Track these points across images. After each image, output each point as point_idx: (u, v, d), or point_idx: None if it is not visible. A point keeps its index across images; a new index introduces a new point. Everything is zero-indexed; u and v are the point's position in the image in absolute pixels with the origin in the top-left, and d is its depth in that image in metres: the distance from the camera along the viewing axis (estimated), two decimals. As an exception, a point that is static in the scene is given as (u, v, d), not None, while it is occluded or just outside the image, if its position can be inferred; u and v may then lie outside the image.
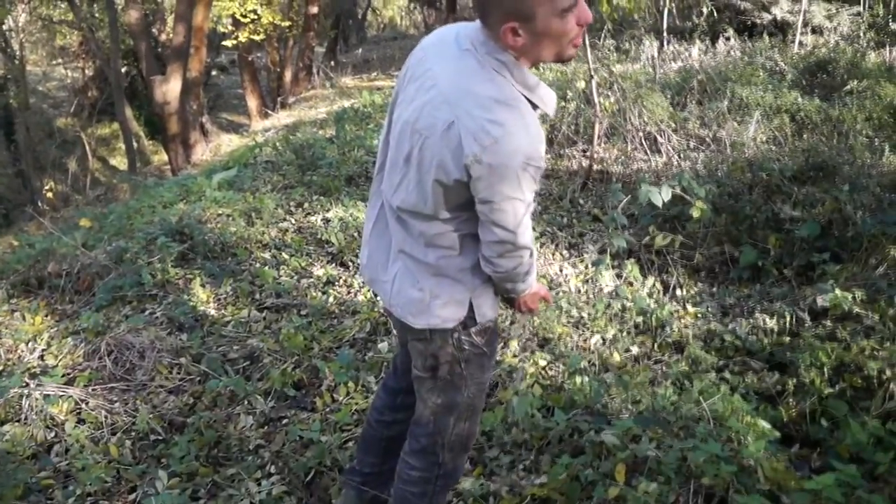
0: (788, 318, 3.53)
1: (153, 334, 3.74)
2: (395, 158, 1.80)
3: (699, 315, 3.83)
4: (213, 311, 4.11)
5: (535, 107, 1.71)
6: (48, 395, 3.20)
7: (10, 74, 23.51)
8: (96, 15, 21.31)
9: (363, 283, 2.02)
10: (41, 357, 3.74)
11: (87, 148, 21.24)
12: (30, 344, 3.86)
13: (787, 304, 3.70)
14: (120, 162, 22.22)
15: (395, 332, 2.35)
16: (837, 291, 3.42)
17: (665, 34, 11.63)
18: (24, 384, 3.27)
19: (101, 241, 5.52)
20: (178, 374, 3.49)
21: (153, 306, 4.22)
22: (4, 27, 22.75)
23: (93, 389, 3.35)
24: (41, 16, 23.89)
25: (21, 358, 3.72)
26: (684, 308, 3.90)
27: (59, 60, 28.76)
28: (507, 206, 1.66)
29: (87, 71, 25.35)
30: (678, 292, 4.11)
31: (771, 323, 3.54)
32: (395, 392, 2.32)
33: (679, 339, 3.59)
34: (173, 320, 3.99)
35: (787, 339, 3.40)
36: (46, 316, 4.24)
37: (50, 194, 5.65)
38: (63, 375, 3.46)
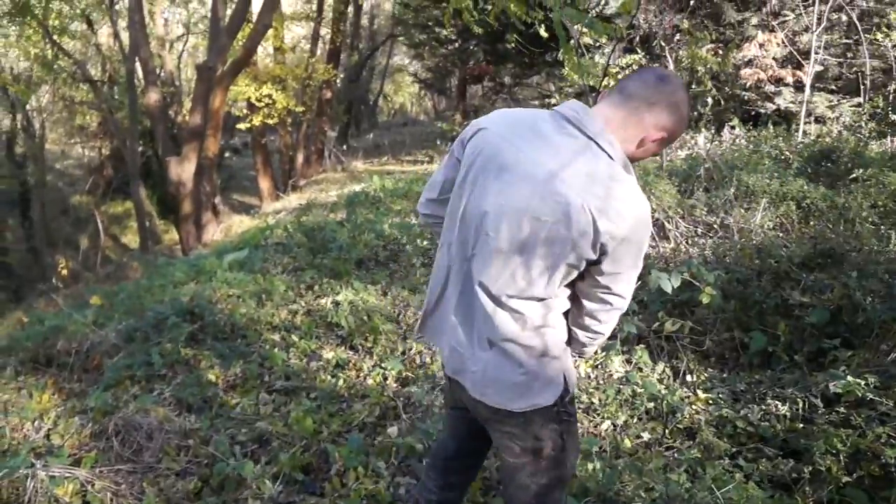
0: (801, 405, 3.50)
1: (161, 415, 3.72)
2: (502, 248, 1.78)
3: (710, 401, 3.80)
4: (221, 393, 4.10)
5: None
6: (54, 476, 3.16)
7: (30, 152, 24.03)
8: (116, 97, 21.87)
9: (446, 370, 2.00)
10: (47, 436, 3.70)
11: (100, 225, 21.49)
12: (36, 422, 3.83)
13: (798, 390, 3.66)
14: (131, 240, 22.47)
15: (452, 417, 2.30)
16: (850, 378, 3.40)
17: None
18: (29, 464, 3.23)
19: (111, 320, 5.55)
20: (186, 456, 3.46)
21: (162, 386, 4.21)
22: (27, 107, 23.37)
23: (99, 471, 3.31)
24: (63, 96, 24.54)
25: (27, 437, 3.69)
26: (695, 394, 3.87)
27: (78, 139, 29.39)
28: (630, 274, 1.80)
29: (104, 150, 25.93)
30: (689, 378, 4.09)
31: (783, 409, 3.51)
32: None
33: (691, 426, 3.55)
34: (182, 401, 3.97)
35: (801, 425, 3.36)
36: (54, 394, 4.23)
37: (64, 271, 5.70)
38: (69, 456, 3.42)
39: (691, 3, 13.75)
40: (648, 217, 1.74)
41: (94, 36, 22.01)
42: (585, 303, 1.85)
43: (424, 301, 2.08)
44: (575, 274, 1.78)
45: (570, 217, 1.68)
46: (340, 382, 4.16)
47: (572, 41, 5.27)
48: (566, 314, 1.90)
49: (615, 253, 1.71)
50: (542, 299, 1.80)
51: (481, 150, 1.85)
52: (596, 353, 4.40)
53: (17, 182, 22.63)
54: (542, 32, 5.84)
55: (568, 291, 1.85)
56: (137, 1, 14.59)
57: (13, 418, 3.86)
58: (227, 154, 27.58)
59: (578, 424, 3.55)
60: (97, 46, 22.47)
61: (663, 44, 11.89)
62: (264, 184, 18.98)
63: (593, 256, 1.72)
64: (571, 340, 1.95)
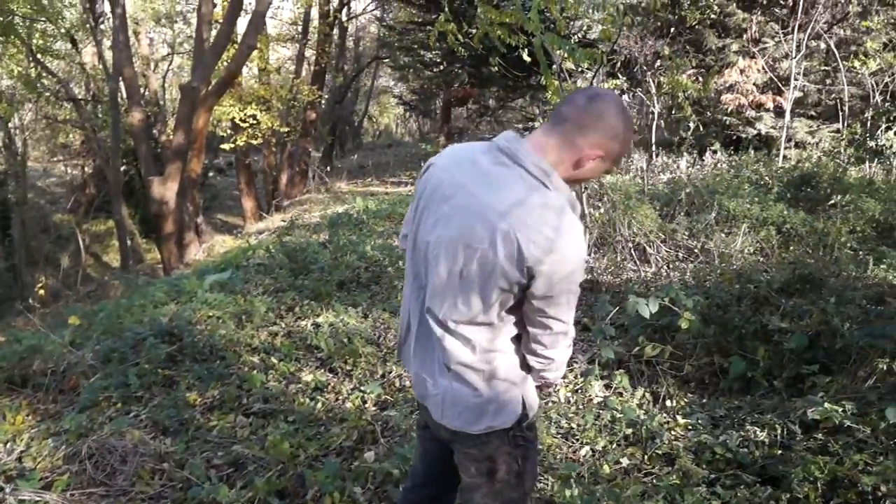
0: (779, 431, 3.51)
1: (137, 438, 3.67)
2: (442, 276, 1.84)
3: (689, 426, 3.80)
4: (199, 415, 4.05)
5: None
6: (23, 501, 3.12)
7: (11, 170, 23.84)
8: (100, 115, 21.80)
9: (416, 395, 2.08)
10: (19, 459, 3.64)
11: (81, 244, 21.34)
12: (8, 444, 3.77)
13: (777, 416, 3.67)
14: (113, 259, 22.31)
15: (423, 439, 2.34)
16: (827, 404, 3.40)
17: (654, 147, 11.94)
18: None
19: (89, 340, 5.48)
20: (161, 480, 3.40)
21: (139, 408, 4.15)
22: (10, 124, 23.23)
23: (71, 495, 3.25)
24: (46, 115, 24.44)
25: (-1, 460, 3.64)
26: (674, 419, 3.87)
27: (60, 157, 29.24)
28: (564, 298, 1.82)
29: (86, 168, 25.78)
30: (668, 403, 4.09)
31: (762, 435, 3.52)
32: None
33: (670, 451, 3.55)
34: (158, 423, 3.91)
35: (779, 451, 3.36)
36: (28, 415, 4.16)
37: (42, 291, 5.66)
38: (41, 479, 3.37)
39: (672, 29, 13.91)
40: (578, 241, 1.77)
41: (79, 55, 21.96)
42: (528, 327, 1.89)
43: (399, 329, 2.14)
44: (512, 299, 1.82)
45: (496, 242, 1.73)
46: (319, 405, 4.13)
47: (554, 66, 5.32)
48: (516, 340, 1.94)
49: (544, 278, 1.75)
50: (486, 324, 1.85)
51: (427, 184, 1.95)
52: (573, 378, 4.40)
53: (-2, 200, 22.42)
54: (525, 56, 5.89)
55: (513, 317, 1.89)
56: (122, 21, 14.60)
57: (-15, 440, 3.81)
58: (210, 173, 27.48)
59: (557, 449, 3.56)
60: (81, 65, 22.41)
61: (645, 68, 12.00)
62: (248, 204, 18.94)
63: (523, 280, 1.76)
64: (529, 368, 1.99)
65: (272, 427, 3.88)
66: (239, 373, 4.63)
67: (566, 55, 5.06)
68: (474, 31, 5.68)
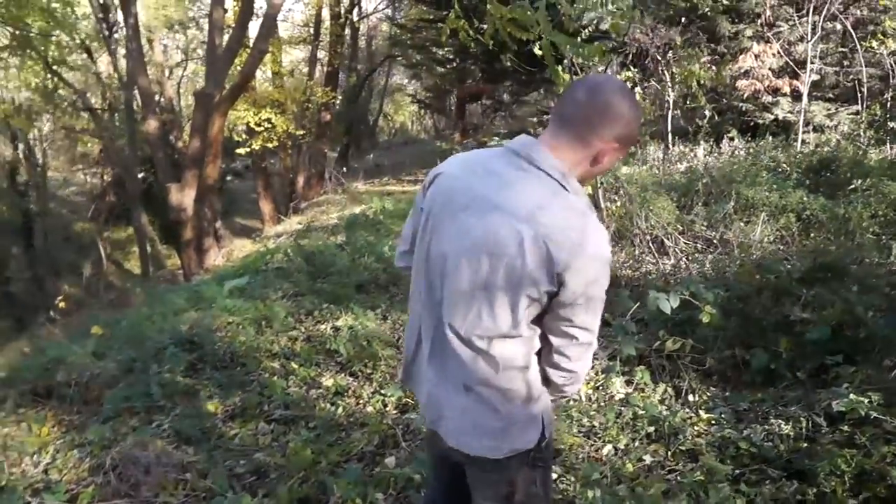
0: (804, 424, 3.46)
1: (160, 448, 3.69)
2: (464, 287, 1.77)
3: (713, 421, 3.76)
4: (220, 424, 4.07)
5: None
6: (51, 514, 3.15)
7: (32, 181, 24.12)
8: (117, 124, 21.98)
9: (426, 421, 1.98)
10: (45, 471, 3.68)
11: (103, 252, 21.55)
12: (34, 457, 3.81)
13: (801, 409, 3.63)
14: (134, 265, 22.50)
15: (436, 467, 2.28)
16: (853, 396, 3.36)
17: (670, 135, 11.85)
18: (25, 502, 3.21)
19: (111, 350, 5.52)
20: (184, 490, 3.42)
21: (161, 418, 4.18)
22: (29, 136, 23.50)
23: (96, 507, 3.29)
24: (64, 125, 24.68)
25: (24, 472, 3.66)
26: (697, 414, 3.83)
27: (80, 167, 29.53)
28: (591, 305, 1.75)
29: (105, 177, 26.00)
30: (690, 398, 4.05)
31: (787, 428, 3.47)
32: None
33: (693, 447, 3.51)
34: (180, 433, 3.93)
35: (804, 444, 3.32)
36: (53, 427, 4.20)
37: (63, 304, 5.73)
38: (66, 492, 3.40)
39: (684, 18, 13.77)
40: (605, 245, 1.73)
41: (94, 65, 22.15)
42: (552, 338, 1.81)
43: (404, 349, 2.06)
44: (538, 308, 1.75)
45: (524, 250, 1.67)
46: (339, 410, 4.13)
47: (565, 61, 5.28)
48: (539, 354, 1.86)
49: (573, 283, 1.69)
50: (511, 338, 1.77)
51: (438, 195, 1.87)
52: (594, 374, 4.37)
53: (20, 211, 22.70)
54: (537, 51, 5.84)
55: (537, 330, 1.81)
56: (135, 30, 14.69)
57: (12, 453, 3.84)
58: (228, 177, 27.66)
59: (580, 449, 3.53)
60: (97, 75, 22.60)
61: (658, 58, 11.89)
62: (266, 207, 19.02)
63: (552, 288, 1.69)
64: (548, 382, 1.90)
65: (293, 434, 3.89)
66: (259, 379, 4.64)
67: (574, 53, 5.02)
68: (485, 26, 5.64)
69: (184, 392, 4.50)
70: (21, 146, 24.43)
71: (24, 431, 4.16)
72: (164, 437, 3.91)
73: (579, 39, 5.09)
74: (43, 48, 17.98)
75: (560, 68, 5.34)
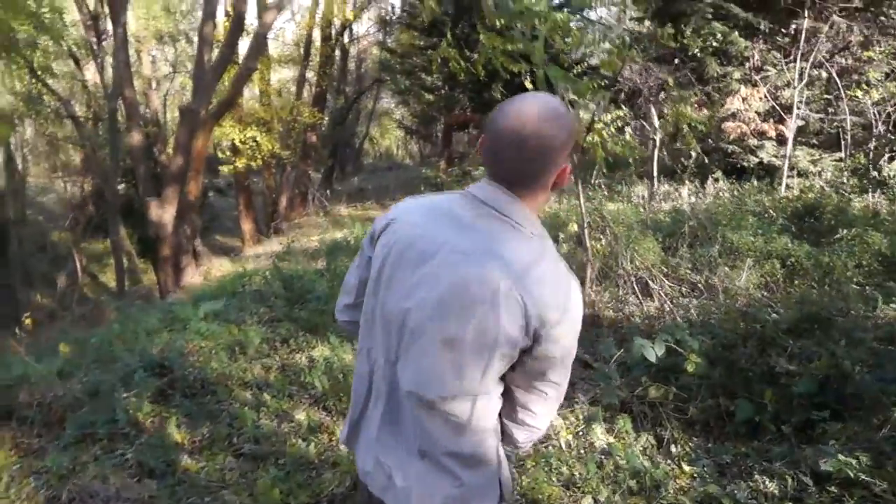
0: (790, 482, 3.38)
1: (120, 481, 3.54)
2: (427, 346, 1.62)
3: (695, 475, 3.66)
4: (186, 456, 3.91)
5: None
6: (-1, 550, 2.98)
7: (10, 188, 23.82)
8: (100, 134, 21.80)
9: (368, 488, 1.78)
10: (-2, 500, 3.52)
11: (78, 264, 21.24)
12: (-12, 483, 3.65)
13: (787, 466, 3.54)
14: (109, 279, 22.21)
15: None
16: (841, 456, 3.28)
17: (656, 175, 11.87)
18: (-29, 537, 3.05)
19: (78, 369, 5.36)
20: (143, 528, 3.28)
21: (125, 447, 4.01)
22: (10, 140, 23.24)
23: (49, 543, 3.13)
24: (46, 132, 24.47)
25: (-25, 500, 3.51)
26: (679, 467, 3.73)
27: (60, 174, 29.24)
28: (567, 360, 1.65)
29: (86, 187, 25.74)
30: (672, 448, 3.95)
31: (771, 486, 3.39)
32: None
33: (675, 503, 3.40)
34: (143, 465, 3.77)
35: (790, 505, 3.23)
36: (11, 450, 4.04)
37: (29, 321, 5.56)
38: (19, 526, 3.24)
39: (675, 59, 13.87)
40: (579, 294, 1.63)
41: (81, 73, 21.98)
42: (518, 394, 1.68)
43: (349, 409, 1.89)
44: (509, 363, 1.62)
45: (498, 304, 1.53)
46: (311, 448, 3.98)
47: (556, 96, 5.22)
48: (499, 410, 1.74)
49: (550, 341, 1.57)
50: (475, 397, 1.63)
51: (394, 244, 1.70)
52: (574, 420, 4.26)
53: (-4, 218, 22.38)
54: (528, 84, 5.81)
55: (501, 386, 1.68)
56: (123, 41, 14.58)
57: (-36, 478, 3.68)
58: (210, 194, 27.45)
59: (559, 500, 3.42)
60: (83, 83, 22.43)
61: (650, 99, 11.94)
62: (246, 226, 18.87)
63: (527, 343, 1.58)
64: (504, 436, 1.77)
65: (262, 471, 3.74)
66: (230, 409, 4.49)
67: (569, 88, 4.98)
68: (476, 56, 5.62)
69: (150, 419, 4.34)
70: (1, 152, 24.13)
71: (-20, 454, 4.00)
72: (126, 469, 3.75)
73: (571, 74, 5.06)
74: (29, 54, 17.81)
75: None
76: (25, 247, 23.28)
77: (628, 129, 11.87)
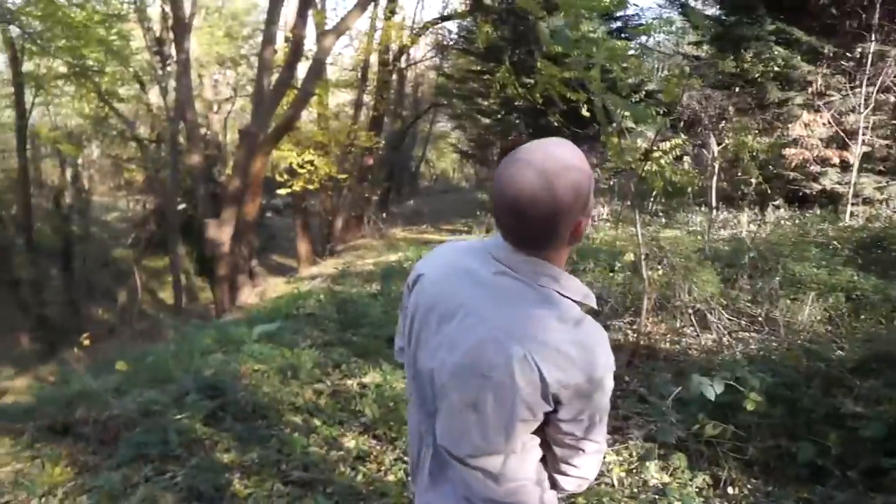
0: (856, 532, 3.22)
1: (169, 505, 3.55)
2: (454, 408, 1.60)
3: (754, 519, 3.52)
4: (236, 481, 3.91)
5: (579, 304, 1.60)
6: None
7: (77, 205, 24.59)
8: (163, 155, 22.37)
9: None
10: (52, 516, 3.57)
11: (138, 280, 21.73)
12: (43, 499, 3.71)
13: (853, 514, 3.38)
14: (168, 296, 22.67)
15: None
16: (911, 507, 3.12)
17: (714, 201, 11.65)
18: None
19: (134, 388, 5.45)
20: (191, 554, 3.28)
21: (175, 468, 4.04)
22: (77, 160, 24.04)
23: (97, 567, 3.14)
24: (111, 153, 25.21)
25: (30, 516, 3.57)
26: (737, 510, 3.59)
27: (124, 193, 30.06)
28: (596, 417, 1.58)
29: (147, 205, 26.41)
30: (730, 490, 3.81)
31: (835, 536, 3.23)
32: None
33: (732, 548, 3.28)
34: (192, 489, 3.79)
35: (856, 557, 3.07)
36: (67, 466, 4.11)
37: (87, 341, 5.72)
38: (69, 547, 3.28)
39: (735, 85, 13.65)
40: (605, 353, 1.53)
41: (146, 96, 22.61)
42: (556, 450, 1.63)
43: (409, 452, 1.89)
44: (535, 426, 1.58)
45: (513, 371, 1.48)
46: (360, 477, 3.95)
47: (614, 125, 5.18)
48: (544, 460, 1.68)
49: (572, 401, 1.52)
50: (506, 456, 1.60)
51: (419, 304, 1.70)
52: (628, 456, 4.15)
53: (62, 234, 23.09)
54: (584, 112, 5.76)
55: (537, 439, 1.63)
56: (185, 66, 14.95)
57: (21, 492, 3.75)
58: (268, 214, 27.91)
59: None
60: (147, 106, 23.06)
61: (710, 127, 11.74)
62: (303, 247, 19.06)
63: (548, 408, 1.52)
64: (556, 486, 1.72)
65: (310, 499, 3.71)
66: (280, 435, 4.49)
67: (626, 113, 4.93)
68: (533, 81, 5.59)
69: (201, 441, 4.37)
70: (69, 171, 24.94)
71: (38, 469, 4.09)
72: (175, 492, 3.77)
73: (630, 101, 5.01)
74: (98, 79, 18.40)
75: (611, 129, 5.23)
76: (88, 263, 23.96)
77: (687, 157, 11.70)
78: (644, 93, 13.08)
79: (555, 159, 1.48)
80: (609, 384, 1.56)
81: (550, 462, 1.68)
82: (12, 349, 18.07)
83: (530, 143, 1.54)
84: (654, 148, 5.58)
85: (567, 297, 1.57)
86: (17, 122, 19.56)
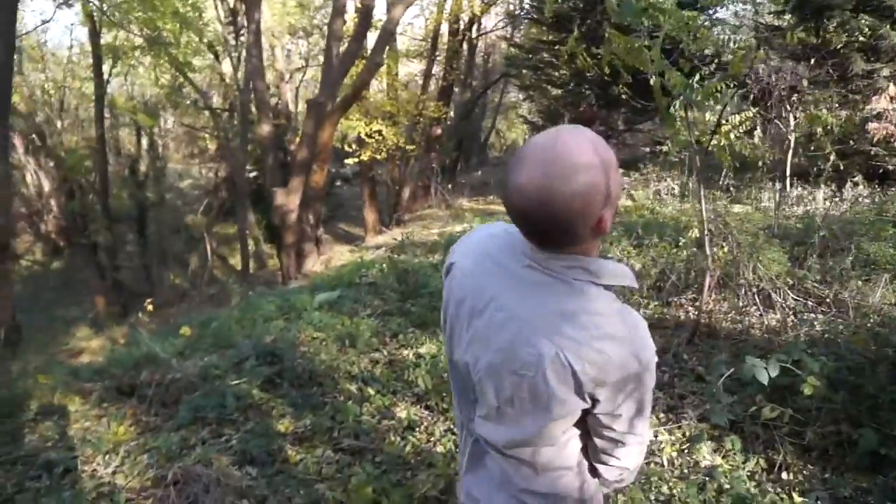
0: (916, 525, 3.11)
1: (223, 467, 3.65)
2: (491, 402, 1.59)
3: (807, 506, 3.42)
4: (288, 446, 3.99)
5: (608, 287, 1.52)
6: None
7: (152, 173, 25.26)
8: (234, 124, 22.73)
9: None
10: (114, 472, 3.70)
11: (209, 246, 22.25)
12: (107, 456, 3.86)
13: (915, 506, 3.26)
14: (237, 262, 23.17)
15: None
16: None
17: (788, 176, 11.27)
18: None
19: (197, 351, 5.60)
20: (239, 515, 3.36)
21: (230, 432, 4.15)
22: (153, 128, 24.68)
23: (152, 522, 3.26)
24: (185, 122, 25.73)
25: (94, 472, 3.71)
26: (790, 497, 3.50)
27: (197, 161, 30.70)
28: (636, 410, 1.55)
29: (219, 174, 26.91)
30: (784, 475, 3.71)
31: (894, 527, 3.12)
32: None
33: (783, 535, 3.20)
34: (246, 452, 3.88)
35: (914, 551, 2.97)
36: (131, 426, 4.25)
37: (150, 307, 5.89)
38: (126, 501, 3.40)
39: (814, 55, 13.10)
40: (642, 342, 1.47)
41: (219, 66, 22.98)
42: (596, 440, 1.60)
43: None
44: (572, 421, 1.54)
45: (545, 371, 1.44)
46: (408, 447, 3.99)
47: (676, 102, 5.04)
48: (585, 450, 1.66)
49: (609, 397, 1.48)
50: (543, 447, 1.58)
51: (451, 296, 1.67)
52: (680, 436, 4.09)
53: (137, 201, 23.80)
54: (652, 82, 5.62)
55: (577, 430, 1.60)
56: (256, 36, 15.11)
57: (88, 449, 3.90)
58: (337, 182, 28.17)
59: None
60: (220, 76, 23.44)
61: (782, 97, 11.32)
62: (369, 216, 19.21)
63: (585, 405, 1.49)
64: (598, 475, 1.69)
65: (359, 467, 3.77)
66: (334, 402, 4.56)
67: (686, 95, 4.78)
68: (602, 52, 5.48)
69: (257, 407, 4.47)
70: (144, 140, 25.61)
71: (104, 427, 4.25)
72: (229, 454, 3.87)
73: (698, 76, 4.84)
74: (173, 50, 18.78)
75: (675, 104, 5.08)
76: (162, 229, 24.66)
77: (757, 131, 11.30)
78: (715, 65, 12.66)
79: (562, 161, 1.36)
80: (649, 379, 1.51)
81: (592, 451, 1.65)
82: (90, 310, 18.78)
83: (540, 137, 1.43)
84: (724, 122, 5.42)
85: (602, 286, 1.51)
86: (95, 92, 20.13)
